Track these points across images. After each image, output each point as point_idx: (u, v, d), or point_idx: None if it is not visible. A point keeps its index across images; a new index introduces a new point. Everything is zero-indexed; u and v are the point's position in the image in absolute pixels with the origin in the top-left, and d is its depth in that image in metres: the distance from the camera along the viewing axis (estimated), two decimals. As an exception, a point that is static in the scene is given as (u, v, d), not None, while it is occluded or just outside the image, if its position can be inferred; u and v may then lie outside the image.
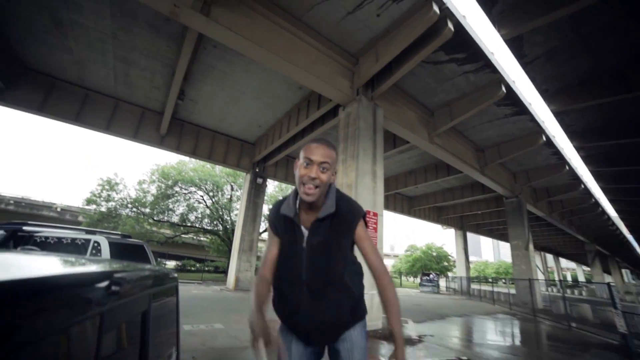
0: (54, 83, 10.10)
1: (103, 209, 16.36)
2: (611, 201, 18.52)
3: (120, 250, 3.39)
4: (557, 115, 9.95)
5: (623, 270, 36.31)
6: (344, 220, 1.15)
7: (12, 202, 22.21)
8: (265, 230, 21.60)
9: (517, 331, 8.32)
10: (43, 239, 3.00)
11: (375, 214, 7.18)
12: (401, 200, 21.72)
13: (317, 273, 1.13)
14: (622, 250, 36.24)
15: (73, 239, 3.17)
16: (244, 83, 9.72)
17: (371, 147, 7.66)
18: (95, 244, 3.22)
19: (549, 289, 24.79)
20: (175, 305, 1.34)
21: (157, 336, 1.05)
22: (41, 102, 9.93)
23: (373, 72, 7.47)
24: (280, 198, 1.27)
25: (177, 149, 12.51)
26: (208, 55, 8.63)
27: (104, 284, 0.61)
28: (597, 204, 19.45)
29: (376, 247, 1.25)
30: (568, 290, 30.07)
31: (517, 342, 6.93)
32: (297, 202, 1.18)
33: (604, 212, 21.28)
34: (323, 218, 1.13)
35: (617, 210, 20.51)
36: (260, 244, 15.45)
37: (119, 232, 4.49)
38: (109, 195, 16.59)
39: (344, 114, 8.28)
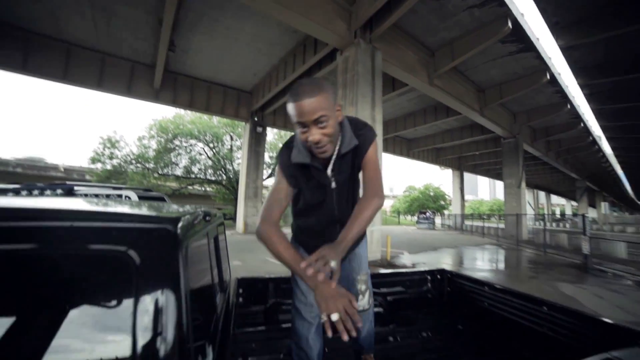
0: (29, 37, 9.44)
1: (109, 166, 16.77)
2: (609, 139, 18.69)
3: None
4: (566, 50, 9.54)
5: (603, 204, 38.27)
6: (362, 149, 1.07)
7: (18, 165, 22.57)
8: (269, 177, 22.36)
9: (500, 257, 9.42)
10: (83, 196, 3.42)
11: (373, 161, 7.54)
12: (400, 143, 21.89)
13: (346, 207, 1.15)
14: (612, 185, 37.64)
15: (107, 195, 3.61)
16: (236, 29, 9.14)
17: (370, 93, 7.63)
18: (127, 198, 3.67)
19: (537, 223, 26.58)
20: (224, 238, 1.71)
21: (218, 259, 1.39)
22: (23, 60, 9.45)
23: (371, 11, 7.00)
24: (286, 140, 1.12)
25: (174, 103, 12.32)
26: (195, 1, 7.97)
27: (201, 215, 0.94)
28: (594, 142, 19.64)
29: (380, 170, 1.12)
30: (554, 224, 32.21)
31: (499, 265, 7.97)
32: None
33: (599, 149, 21.59)
34: (345, 153, 1.04)
35: (613, 148, 20.81)
36: (264, 191, 16.20)
37: (141, 187, 4.92)
38: (111, 153, 16.84)
39: (341, 58, 8.02)
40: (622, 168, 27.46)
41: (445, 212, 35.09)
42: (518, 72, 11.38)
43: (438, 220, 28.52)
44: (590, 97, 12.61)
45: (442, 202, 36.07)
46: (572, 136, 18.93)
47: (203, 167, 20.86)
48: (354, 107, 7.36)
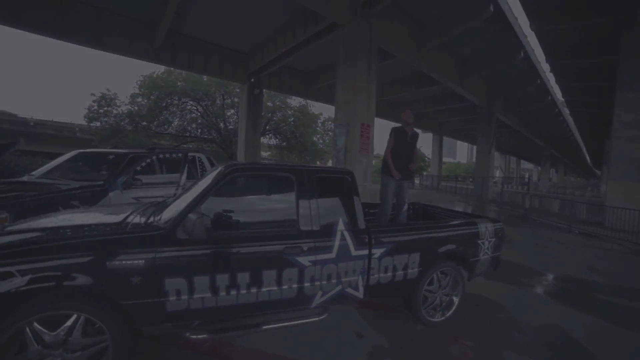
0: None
1: (107, 125, 16.88)
2: (571, 112, 20.76)
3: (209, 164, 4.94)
4: (538, 33, 10.74)
5: (551, 170, 42.45)
6: (415, 136, 3.80)
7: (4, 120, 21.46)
8: (263, 135, 23.09)
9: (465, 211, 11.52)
10: (162, 157, 4.34)
11: (368, 126, 8.81)
12: (391, 108, 22.89)
13: (409, 154, 3.73)
14: (573, 153, 41.38)
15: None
16: (240, -7, 9.44)
17: (367, 68, 8.64)
18: (199, 159, 4.77)
19: (507, 186, 29.61)
20: None
21: None
22: (16, 13, 9.25)
23: (372, -10, 7.75)
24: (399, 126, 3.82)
25: (173, 63, 12.56)
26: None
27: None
28: (559, 113, 21.67)
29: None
30: (520, 187, 35.87)
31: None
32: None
33: (564, 120, 23.80)
34: (411, 135, 3.75)
35: (574, 120, 23.07)
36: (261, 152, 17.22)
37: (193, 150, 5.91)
38: (106, 111, 16.81)
39: (342, 33, 8.80)
40: (582, 138, 30.33)
41: (425, 173, 37.67)
42: (497, 48, 12.49)
43: (417, 180, 30.88)
44: (557, 74, 14.14)
45: (422, 164, 38.41)
46: (541, 108, 20.77)
47: (198, 126, 21.17)
48: (354, 80, 8.42)
